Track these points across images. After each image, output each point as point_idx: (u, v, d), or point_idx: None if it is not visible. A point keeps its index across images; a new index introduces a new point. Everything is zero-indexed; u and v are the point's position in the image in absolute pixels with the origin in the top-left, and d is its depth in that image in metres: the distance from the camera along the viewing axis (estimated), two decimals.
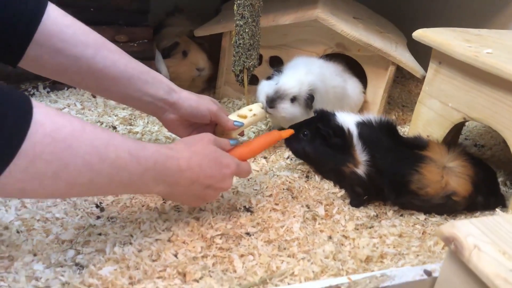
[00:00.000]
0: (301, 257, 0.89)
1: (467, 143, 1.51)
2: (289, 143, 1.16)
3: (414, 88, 1.88)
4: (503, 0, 1.67)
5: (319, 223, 1.01)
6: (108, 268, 0.79)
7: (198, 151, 0.87)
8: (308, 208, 1.06)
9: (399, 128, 1.51)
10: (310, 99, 1.22)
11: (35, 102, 0.66)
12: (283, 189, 1.12)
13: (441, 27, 1.30)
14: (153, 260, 0.84)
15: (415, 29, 1.26)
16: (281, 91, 1.20)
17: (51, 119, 0.66)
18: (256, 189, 1.10)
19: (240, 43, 1.24)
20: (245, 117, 1.19)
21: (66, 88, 1.42)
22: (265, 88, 1.25)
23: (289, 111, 1.21)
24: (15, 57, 0.87)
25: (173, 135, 1.30)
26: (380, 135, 1.07)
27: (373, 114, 1.12)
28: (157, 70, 1.43)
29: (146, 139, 1.27)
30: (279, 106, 1.20)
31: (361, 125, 1.07)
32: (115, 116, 1.33)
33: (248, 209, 1.02)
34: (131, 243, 0.88)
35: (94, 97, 1.40)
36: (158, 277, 0.80)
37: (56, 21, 0.89)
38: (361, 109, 1.50)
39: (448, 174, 1.05)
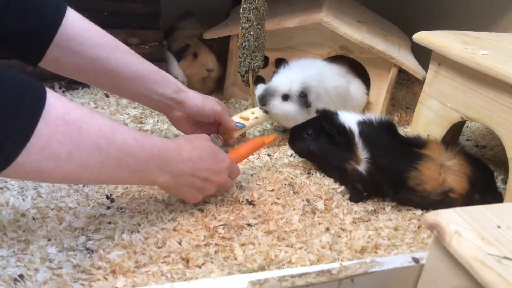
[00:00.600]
0: (298, 247, 0.93)
1: (468, 144, 1.54)
2: (293, 143, 1.21)
3: (418, 91, 1.90)
4: (505, 3, 1.70)
5: (318, 216, 1.06)
6: (116, 253, 0.85)
7: (197, 145, 0.94)
8: (308, 202, 1.10)
9: (401, 128, 1.56)
10: (303, 96, 1.27)
11: (48, 89, 0.71)
12: (285, 184, 1.17)
13: (442, 30, 1.34)
14: (159, 247, 0.90)
15: None
16: (271, 89, 1.27)
17: (62, 104, 0.71)
18: (259, 184, 1.15)
19: (245, 45, 1.30)
20: (247, 119, 1.25)
21: (80, 88, 1.49)
22: (259, 89, 1.31)
23: (280, 107, 1.27)
24: (36, 57, 0.93)
25: (181, 133, 1.36)
26: (380, 134, 1.11)
27: (374, 114, 1.16)
28: (170, 73, 1.49)
29: None
30: (269, 103, 1.27)
31: (362, 124, 1.12)
32: (127, 114, 1.39)
33: (250, 202, 1.07)
34: (138, 231, 0.93)
35: (107, 96, 1.46)
36: (163, 262, 0.86)
37: (75, 24, 0.95)
38: (364, 110, 1.54)
39: (446, 171, 1.08)
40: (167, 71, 1.49)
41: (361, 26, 1.53)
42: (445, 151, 1.10)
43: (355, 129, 1.11)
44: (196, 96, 1.15)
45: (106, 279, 0.79)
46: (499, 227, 0.69)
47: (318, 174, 1.24)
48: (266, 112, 1.31)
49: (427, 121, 1.33)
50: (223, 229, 0.97)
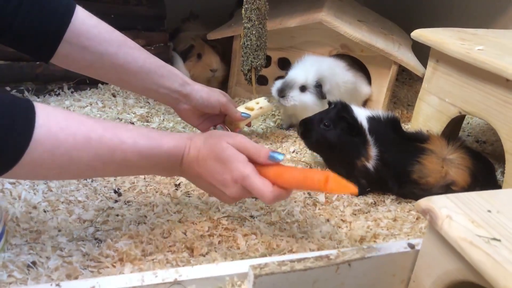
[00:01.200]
0: (299, 237, 0.96)
1: (469, 139, 1.57)
2: (308, 135, 1.19)
3: (420, 89, 1.93)
4: (505, 1, 1.73)
5: (319, 208, 1.09)
6: (123, 242, 0.89)
7: (210, 145, 0.83)
8: (310, 195, 1.13)
9: (402, 125, 1.58)
10: (318, 87, 1.33)
11: (41, 112, 0.70)
12: None
13: (440, 27, 1.37)
14: (164, 237, 0.93)
15: None
16: (289, 81, 1.33)
17: (53, 136, 0.71)
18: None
19: (248, 44, 1.34)
20: (252, 109, 1.29)
21: (88, 89, 1.53)
22: (277, 84, 1.36)
23: (299, 98, 1.33)
24: (48, 54, 0.97)
25: (186, 131, 1.40)
26: (387, 130, 1.14)
27: (380, 110, 1.19)
28: None
29: None
30: (288, 95, 1.32)
31: (371, 120, 1.14)
32: (133, 113, 1.43)
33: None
34: (145, 223, 0.97)
35: (114, 96, 1.50)
36: (168, 251, 0.89)
37: (84, 21, 0.99)
38: (365, 105, 1.58)
39: (448, 165, 1.11)
40: None
41: (361, 25, 1.56)
42: (447, 145, 1.13)
43: (365, 124, 1.13)
44: (202, 89, 1.19)
45: (114, 266, 0.83)
46: (489, 211, 0.72)
47: (320, 168, 1.27)
48: (285, 106, 1.35)
49: (426, 116, 1.36)
50: (226, 220, 1.00)
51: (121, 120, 1.39)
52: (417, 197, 1.14)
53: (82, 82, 1.52)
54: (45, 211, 0.96)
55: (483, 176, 1.15)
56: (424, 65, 1.52)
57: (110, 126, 0.79)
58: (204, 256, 0.90)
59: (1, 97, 0.69)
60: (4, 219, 0.85)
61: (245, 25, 1.32)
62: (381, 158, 1.11)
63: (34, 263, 0.80)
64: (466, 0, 1.95)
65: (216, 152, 0.82)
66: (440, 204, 0.73)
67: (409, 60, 1.49)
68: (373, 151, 1.11)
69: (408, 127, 1.56)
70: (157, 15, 1.61)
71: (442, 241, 0.72)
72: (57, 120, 0.72)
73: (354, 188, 0.75)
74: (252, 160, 0.83)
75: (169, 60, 1.61)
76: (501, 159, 1.41)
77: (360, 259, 0.78)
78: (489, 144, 1.53)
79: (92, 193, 1.05)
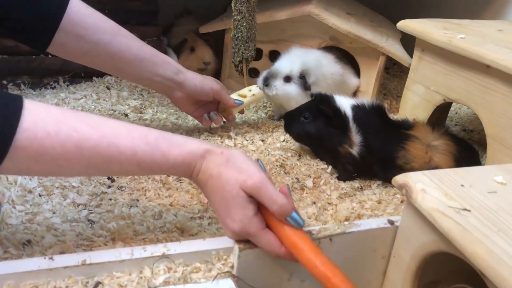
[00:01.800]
0: None
1: (457, 129, 1.60)
2: (290, 127, 1.25)
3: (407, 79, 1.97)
4: None
5: (306, 193, 1.12)
6: (115, 223, 0.92)
7: (221, 181, 0.76)
8: (298, 180, 1.17)
9: (391, 115, 1.62)
10: (302, 78, 1.36)
11: (28, 114, 0.66)
12: (276, 165, 1.24)
13: (426, 18, 1.41)
14: (156, 219, 0.97)
15: None
16: (274, 71, 1.36)
17: (38, 143, 0.67)
18: None
19: (238, 36, 1.37)
20: (245, 96, 1.33)
21: (83, 82, 1.57)
22: (263, 73, 1.40)
23: (282, 88, 1.36)
24: (44, 43, 1.01)
25: (179, 122, 1.44)
26: (372, 117, 1.17)
27: (366, 98, 1.23)
28: None
29: (155, 125, 1.40)
30: (272, 84, 1.35)
31: (355, 108, 1.18)
32: (127, 105, 1.47)
33: None
34: (137, 206, 1.00)
35: (109, 89, 1.54)
36: (159, 231, 0.93)
37: (79, 11, 1.03)
38: (354, 96, 1.61)
39: (432, 151, 1.14)
40: None
41: (350, 18, 1.60)
42: (432, 132, 1.16)
43: (349, 113, 1.16)
44: (195, 77, 1.22)
45: (106, 245, 0.86)
46: (462, 186, 0.75)
47: (308, 156, 1.30)
48: (268, 95, 1.38)
49: (413, 105, 1.40)
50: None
51: (115, 111, 1.42)
52: None
53: (77, 76, 1.56)
54: (40, 195, 0.99)
55: (467, 161, 1.18)
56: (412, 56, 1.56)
57: (109, 133, 0.72)
58: (193, 235, 0.93)
59: None
60: (0, 200, 0.88)
61: (235, 17, 1.35)
62: (365, 144, 1.15)
63: (29, 241, 0.83)
64: None
65: (224, 193, 0.76)
66: (416, 179, 0.76)
67: (397, 51, 1.53)
68: (356, 138, 1.15)
69: (396, 117, 1.59)
70: (150, 10, 1.65)
71: (418, 214, 0.76)
72: (45, 125, 0.67)
73: None
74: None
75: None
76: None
77: (341, 234, 0.81)
78: (476, 133, 1.57)
79: (86, 180, 1.08)
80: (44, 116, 0.68)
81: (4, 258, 0.78)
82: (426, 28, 1.29)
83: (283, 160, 1.27)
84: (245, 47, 1.39)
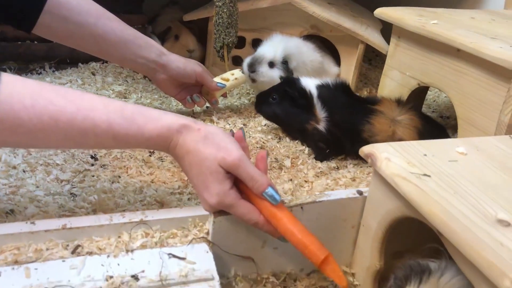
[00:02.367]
0: None
1: (434, 115, 1.65)
2: (259, 107, 1.32)
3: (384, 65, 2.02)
4: None
5: (284, 172, 1.16)
6: (97, 196, 0.95)
7: (199, 158, 0.78)
8: (276, 160, 1.21)
9: None
10: (285, 63, 1.41)
11: (5, 88, 0.67)
12: (257, 147, 1.27)
13: (402, 7, 1.45)
14: (136, 194, 1.00)
15: None
16: (258, 57, 1.41)
17: (15, 115, 0.68)
18: None
19: (219, 22, 1.41)
20: (227, 80, 1.37)
21: (69, 68, 1.59)
22: (247, 59, 1.44)
23: (268, 74, 1.41)
24: (29, 24, 1.03)
25: (163, 107, 1.47)
26: (337, 94, 1.22)
27: (331, 78, 1.27)
28: None
29: None
30: (258, 70, 1.39)
31: (320, 87, 1.23)
32: (112, 90, 1.49)
33: None
34: (119, 182, 1.04)
35: (94, 74, 1.56)
36: (139, 204, 0.96)
37: None
38: None
39: (396, 125, 1.18)
40: None
41: (330, 7, 1.64)
42: (397, 107, 1.20)
43: (314, 92, 1.22)
44: (178, 59, 1.26)
45: (87, 215, 0.89)
46: (425, 155, 0.80)
47: (287, 139, 1.34)
48: (253, 80, 1.43)
49: (389, 90, 1.44)
50: None
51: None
52: None
53: (63, 62, 1.58)
54: (24, 171, 1.02)
55: (432, 136, 1.21)
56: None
57: (85, 106, 0.73)
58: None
59: None
60: None
61: (217, 3, 1.39)
62: (331, 119, 1.20)
63: (12, 210, 0.86)
64: None
65: (202, 168, 0.77)
66: (381, 149, 0.80)
67: (375, 39, 1.57)
68: (321, 114, 1.21)
69: None
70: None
71: (383, 183, 0.80)
72: (21, 97, 0.68)
73: (345, 281, 0.75)
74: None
75: None
76: None
77: (312, 203, 0.85)
78: (452, 119, 1.61)
79: (70, 158, 1.11)
80: (20, 89, 0.69)
81: None
82: (402, 15, 1.33)
83: (263, 142, 1.31)
84: (226, 33, 1.42)
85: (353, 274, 0.92)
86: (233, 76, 1.39)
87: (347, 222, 0.90)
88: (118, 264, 0.72)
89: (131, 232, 0.78)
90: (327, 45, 1.67)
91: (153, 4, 1.90)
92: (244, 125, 1.42)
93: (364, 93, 1.72)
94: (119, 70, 1.63)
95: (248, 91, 1.67)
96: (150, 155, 1.17)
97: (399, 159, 0.77)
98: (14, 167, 1.03)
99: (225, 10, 1.38)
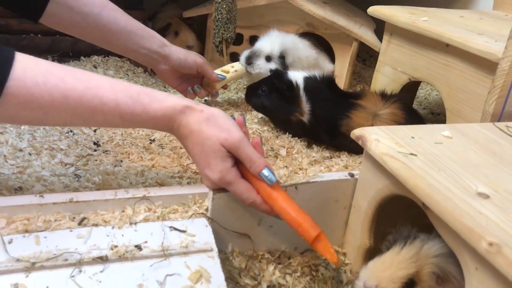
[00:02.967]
0: None
1: (425, 112, 1.71)
2: (249, 98, 1.37)
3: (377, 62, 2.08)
4: None
5: (279, 160, 1.21)
6: (101, 176, 0.99)
7: (202, 137, 0.82)
8: (272, 149, 1.25)
9: None
10: (282, 58, 1.46)
11: (19, 65, 0.71)
12: (253, 137, 1.32)
13: (395, 5, 1.51)
14: (138, 176, 1.04)
15: None
16: (256, 50, 1.46)
17: (27, 91, 0.71)
18: None
19: (219, 18, 1.46)
20: (227, 72, 1.42)
21: (71, 61, 1.64)
22: (245, 53, 1.49)
23: (264, 67, 1.45)
24: (37, 13, 1.07)
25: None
26: (322, 88, 1.27)
27: (319, 71, 1.33)
28: None
29: None
30: (254, 63, 1.44)
31: (307, 79, 1.28)
32: None
33: None
34: (121, 166, 1.08)
35: (95, 67, 1.61)
36: (141, 186, 1.00)
37: None
38: None
39: (375, 119, 1.22)
40: None
41: (325, 6, 1.70)
42: (381, 101, 1.25)
43: (301, 84, 1.27)
44: (179, 50, 1.30)
45: None
46: (412, 137, 0.85)
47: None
48: (250, 73, 1.48)
49: (381, 86, 1.49)
50: (195, 166, 1.12)
51: None
52: (348, 148, 1.29)
53: (65, 55, 1.63)
54: (30, 154, 1.06)
55: None
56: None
57: (93, 86, 0.77)
58: None
59: None
60: None
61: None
62: (313, 113, 1.25)
63: (20, 187, 0.90)
64: None
65: (204, 147, 0.82)
66: (371, 132, 0.85)
67: (369, 37, 1.63)
68: (306, 107, 1.26)
69: None
70: None
71: (373, 163, 0.85)
72: (34, 75, 0.72)
73: (336, 258, 0.78)
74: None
75: None
76: None
77: (306, 183, 0.90)
78: (442, 116, 1.66)
79: (73, 143, 1.16)
80: (33, 67, 0.73)
81: None
82: (394, 12, 1.39)
83: (259, 133, 1.35)
84: (225, 28, 1.47)
85: (344, 254, 0.97)
86: (233, 68, 1.44)
87: (339, 203, 0.95)
88: (122, 235, 0.77)
89: (135, 207, 0.83)
90: (322, 43, 1.72)
91: (153, 1, 1.95)
92: None
93: (357, 89, 1.77)
94: (120, 63, 1.67)
95: (245, 86, 1.72)
96: (151, 143, 1.21)
97: (387, 140, 0.82)
98: (21, 150, 1.07)
99: (224, 6, 1.43)
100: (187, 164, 1.12)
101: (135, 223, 0.79)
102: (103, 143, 1.19)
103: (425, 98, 1.82)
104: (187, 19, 1.75)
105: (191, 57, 1.31)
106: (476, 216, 0.62)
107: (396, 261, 0.71)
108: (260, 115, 1.48)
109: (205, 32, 1.76)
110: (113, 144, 1.19)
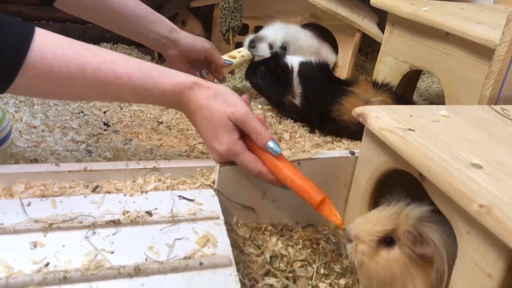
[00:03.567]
0: None
1: (425, 103, 1.74)
2: (248, 76, 1.44)
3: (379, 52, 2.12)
4: None
5: (282, 143, 1.25)
6: (112, 152, 1.04)
7: (210, 111, 0.87)
8: (276, 133, 1.29)
9: None
10: (284, 49, 1.50)
11: (39, 38, 0.74)
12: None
13: None
14: (147, 154, 1.08)
15: None
16: (260, 36, 1.51)
17: (47, 62, 0.75)
18: None
19: (226, 6, 1.50)
20: (234, 57, 1.46)
21: None
22: (249, 37, 1.55)
23: (266, 51, 1.50)
24: None
25: None
26: (316, 73, 1.32)
27: (315, 57, 1.37)
28: None
29: None
30: (258, 46, 1.49)
31: (302, 64, 1.33)
32: None
33: None
34: (130, 144, 1.12)
35: None
36: (149, 161, 1.04)
37: None
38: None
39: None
40: None
41: None
42: (372, 89, 1.28)
43: (296, 68, 1.33)
44: (188, 35, 1.34)
45: None
46: (411, 116, 0.89)
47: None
48: (254, 56, 1.52)
49: (383, 75, 1.53)
50: (202, 146, 1.16)
51: None
52: (338, 133, 1.33)
53: None
54: (43, 131, 1.11)
55: None
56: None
57: (108, 60, 0.81)
58: None
59: (6, 19, 0.74)
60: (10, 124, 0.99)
61: None
62: (305, 96, 1.30)
63: (35, 159, 0.95)
64: None
65: (212, 121, 0.86)
66: (372, 110, 0.89)
67: (371, 28, 1.66)
68: (298, 89, 1.31)
69: None
70: None
71: (372, 139, 0.89)
72: (53, 48, 0.76)
73: (340, 221, 0.82)
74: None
75: None
76: None
77: (308, 160, 0.94)
78: None
79: (84, 123, 1.20)
80: (52, 40, 0.77)
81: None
82: (396, 3, 1.43)
83: None
84: (231, 17, 1.52)
85: (344, 229, 1.01)
86: (240, 53, 1.48)
87: (340, 180, 0.99)
88: (134, 202, 0.81)
89: (145, 177, 0.87)
90: (325, 35, 1.76)
91: None
92: None
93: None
94: (128, 52, 1.71)
95: None
96: (159, 124, 1.26)
97: (387, 117, 0.86)
98: (34, 127, 1.11)
99: None
100: (194, 144, 1.16)
101: (146, 192, 0.83)
102: (113, 123, 1.24)
103: (426, 90, 1.86)
104: (194, 9, 1.79)
105: (199, 42, 1.35)
106: (469, 183, 0.66)
107: (376, 217, 0.78)
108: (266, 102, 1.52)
109: (212, 22, 1.80)
110: (123, 125, 1.23)
